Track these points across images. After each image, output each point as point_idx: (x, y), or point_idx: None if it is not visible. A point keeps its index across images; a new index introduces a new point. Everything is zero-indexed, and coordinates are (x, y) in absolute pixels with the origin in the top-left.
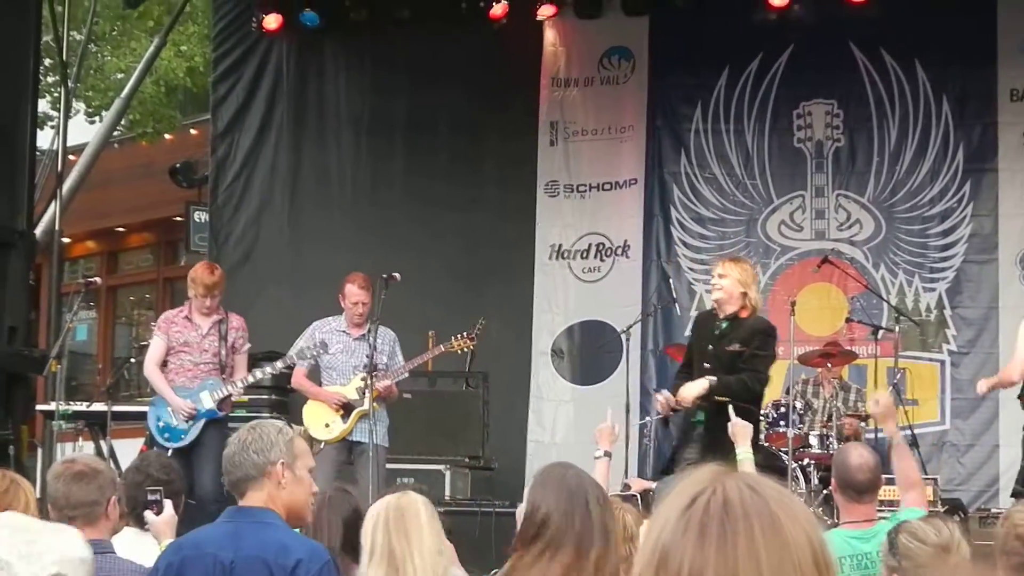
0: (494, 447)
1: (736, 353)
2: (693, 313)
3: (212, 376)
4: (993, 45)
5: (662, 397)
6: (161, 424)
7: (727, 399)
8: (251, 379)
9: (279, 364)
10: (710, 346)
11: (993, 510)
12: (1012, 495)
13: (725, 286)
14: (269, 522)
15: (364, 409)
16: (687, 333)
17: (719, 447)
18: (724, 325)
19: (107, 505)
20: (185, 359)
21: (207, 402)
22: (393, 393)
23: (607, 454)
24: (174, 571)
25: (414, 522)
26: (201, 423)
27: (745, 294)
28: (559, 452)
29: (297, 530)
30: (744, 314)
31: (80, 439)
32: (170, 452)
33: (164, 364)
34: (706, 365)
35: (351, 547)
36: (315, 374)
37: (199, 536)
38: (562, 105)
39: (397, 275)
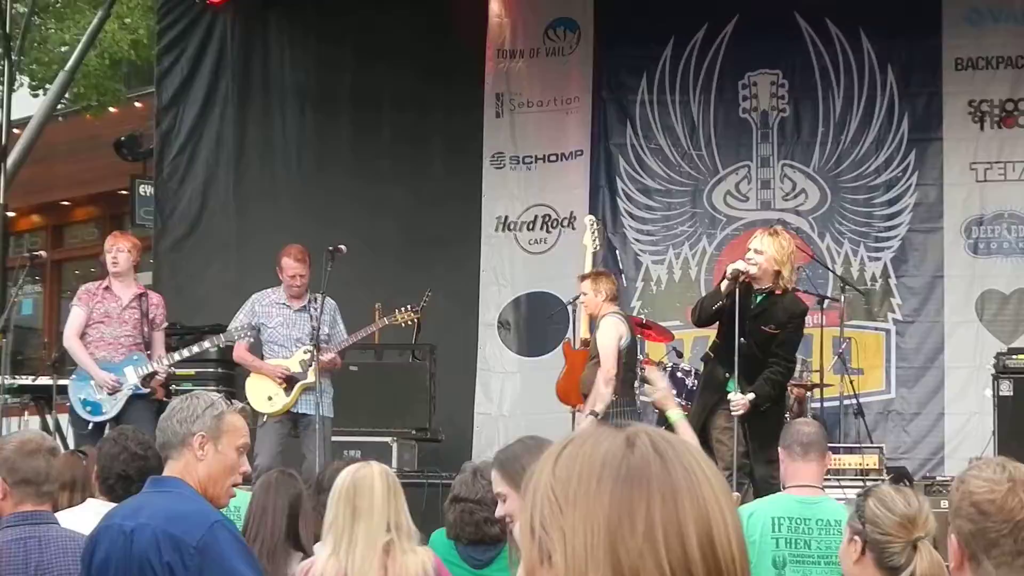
0: (441, 419)
1: (771, 336)
2: (639, 284)
3: (136, 351)
4: (938, 15)
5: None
6: (83, 397)
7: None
8: (178, 356)
9: (206, 344)
10: (746, 321)
11: (938, 478)
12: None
13: (760, 262)
14: (171, 491)
15: (308, 382)
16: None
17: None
18: (758, 300)
19: None
20: (105, 331)
21: (131, 377)
22: (337, 364)
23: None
24: (93, 542)
25: (365, 498)
26: (124, 399)
27: (779, 272)
28: (506, 424)
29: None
30: (778, 291)
31: (26, 413)
32: (90, 426)
33: (83, 337)
34: (742, 340)
35: (293, 532)
36: (257, 347)
37: (118, 507)
38: (507, 77)
39: (343, 247)
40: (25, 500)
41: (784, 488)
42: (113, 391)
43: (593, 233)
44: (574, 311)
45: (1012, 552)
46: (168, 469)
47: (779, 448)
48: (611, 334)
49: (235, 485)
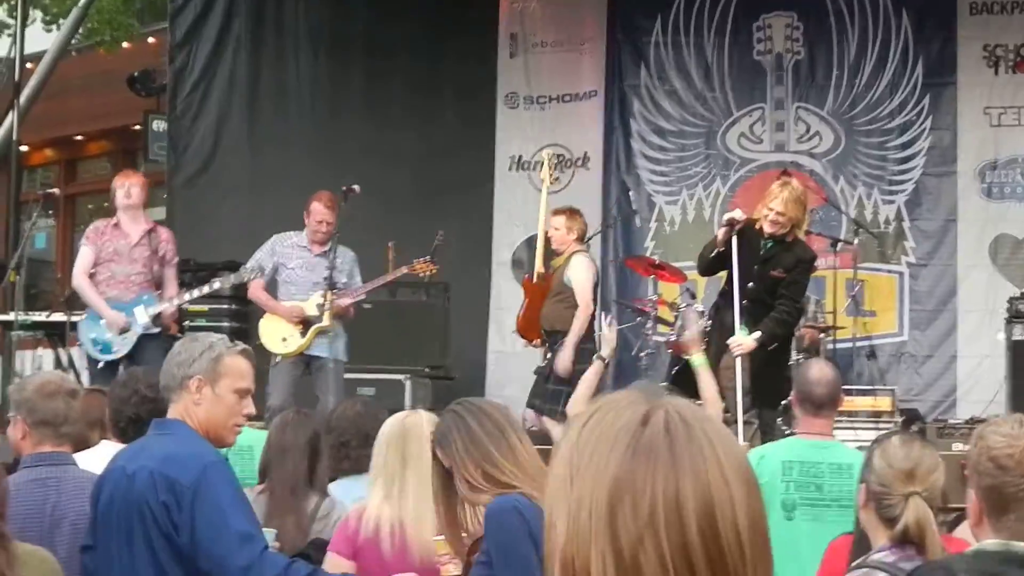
0: (455, 357)
1: (779, 280)
2: (652, 225)
3: (146, 290)
4: None
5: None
6: (93, 336)
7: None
8: (189, 296)
9: (216, 284)
10: (755, 266)
11: (950, 420)
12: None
13: (782, 222)
14: (170, 433)
15: (322, 325)
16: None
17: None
18: (769, 245)
19: None
20: (116, 269)
21: (141, 317)
22: (350, 313)
23: (602, 358)
24: (99, 484)
25: (415, 444)
26: (135, 338)
27: (795, 226)
28: (519, 362)
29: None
30: (790, 238)
31: (39, 348)
32: (100, 366)
33: (93, 276)
34: (750, 285)
35: (312, 472)
36: (272, 288)
37: (123, 450)
38: (522, 17)
39: (356, 187)
40: (44, 441)
41: (795, 433)
42: (123, 331)
43: (550, 169)
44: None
45: None
46: (170, 412)
47: (793, 394)
48: (586, 273)
49: (239, 425)
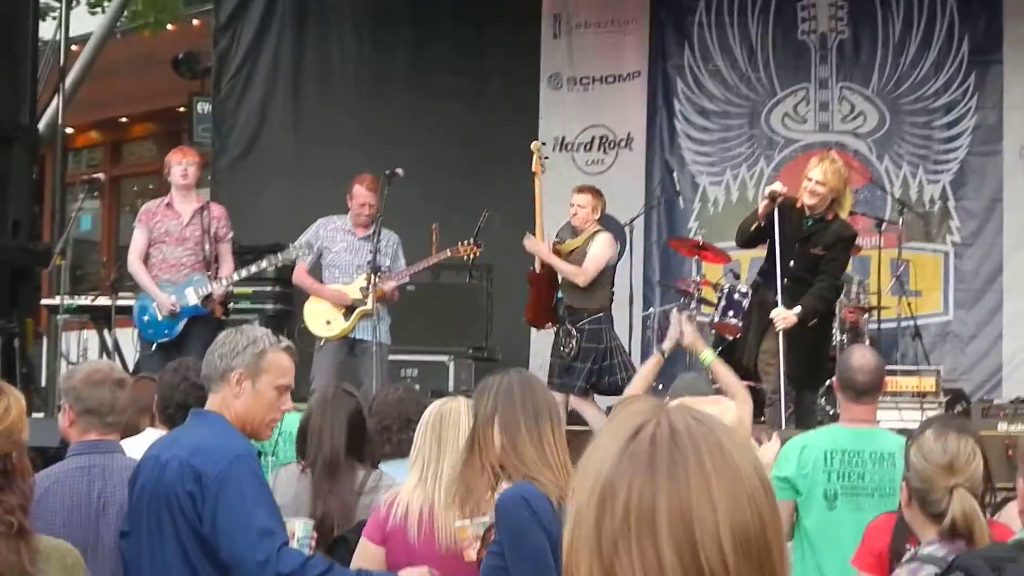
0: (497, 338)
1: (818, 257)
2: (696, 205)
3: (197, 271)
4: None
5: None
6: (146, 319)
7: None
8: (237, 277)
9: (264, 263)
10: (796, 244)
11: (995, 401)
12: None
13: (821, 192)
14: (205, 424)
15: (366, 308)
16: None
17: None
18: (810, 223)
19: None
20: (166, 251)
21: (191, 298)
22: (394, 296)
23: (662, 352)
24: (136, 471)
25: (451, 429)
26: (185, 319)
27: (836, 199)
28: None
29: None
30: (830, 216)
31: (84, 330)
32: (154, 347)
33: (147, 258)
34: (791, 264)
35: (355, 447)
36: (317, 271)
37: (160, 438)
38: None
39: (400, 171)
40: (90, 429)
41: (838, 420)
42: (172, 315)
43: (539, 158)
44: (631, 231)
45: None
46: (208, 403)
47: (835, 379)
48: (606, 252)
49: (275, 421)
